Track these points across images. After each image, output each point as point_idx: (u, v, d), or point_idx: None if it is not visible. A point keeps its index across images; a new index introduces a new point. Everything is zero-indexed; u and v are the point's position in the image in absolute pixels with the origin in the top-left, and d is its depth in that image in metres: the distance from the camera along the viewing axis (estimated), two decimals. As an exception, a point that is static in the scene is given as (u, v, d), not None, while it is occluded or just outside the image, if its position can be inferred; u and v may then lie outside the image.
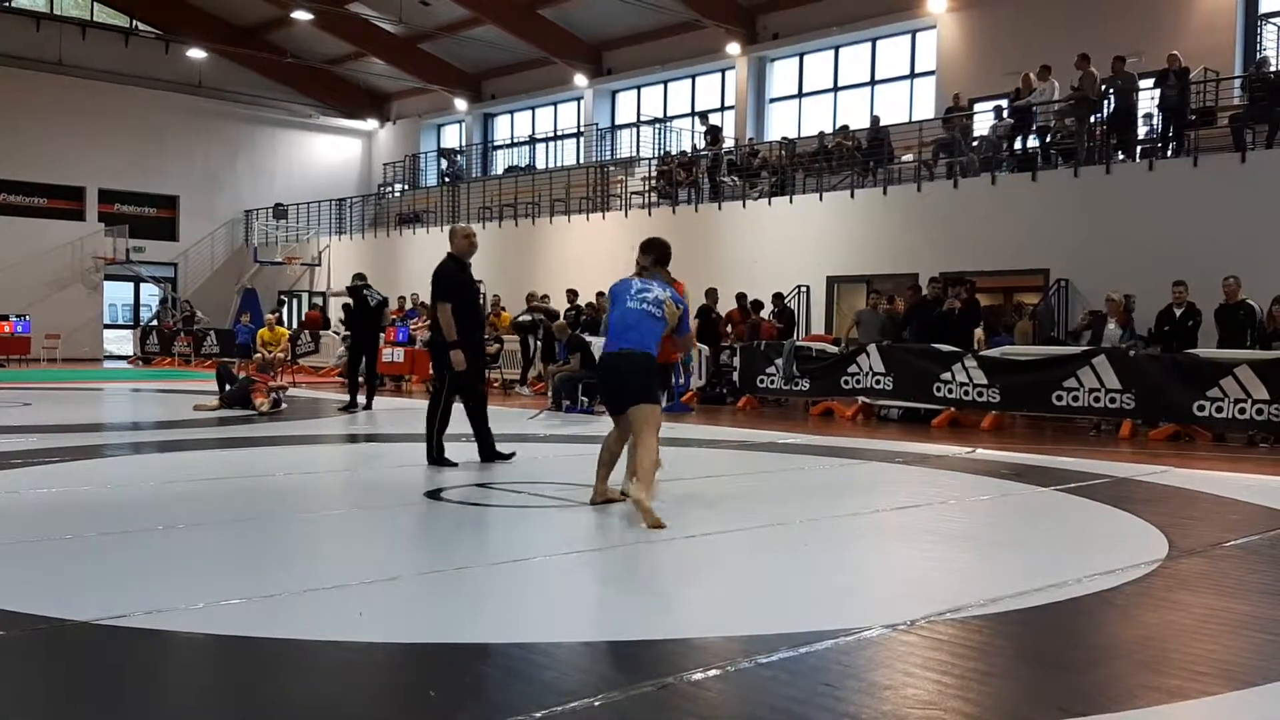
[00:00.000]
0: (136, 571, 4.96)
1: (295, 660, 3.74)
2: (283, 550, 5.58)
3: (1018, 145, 18.38)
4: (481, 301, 15.02)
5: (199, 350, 27.52)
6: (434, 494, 7.23)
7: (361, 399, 14.36)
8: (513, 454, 8.97)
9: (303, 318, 29.20)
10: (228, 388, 14.18)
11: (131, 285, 33.29)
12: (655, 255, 7.01)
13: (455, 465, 8.45)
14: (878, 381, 14.09)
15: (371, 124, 36.28)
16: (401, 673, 3.57)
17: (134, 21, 32.21)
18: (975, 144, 18.88)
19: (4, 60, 29.74)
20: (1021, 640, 4.16)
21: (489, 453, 8.79)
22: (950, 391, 13.41)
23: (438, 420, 8.59)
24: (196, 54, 31.75)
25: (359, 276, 15.35)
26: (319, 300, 31.97)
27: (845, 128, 21.49)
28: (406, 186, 33.45)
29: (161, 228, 33.13)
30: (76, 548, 5.39)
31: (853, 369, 14.38)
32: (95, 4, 31.83)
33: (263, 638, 3.89)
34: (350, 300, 14.95)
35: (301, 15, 28.70)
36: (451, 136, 34.89)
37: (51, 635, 3.89)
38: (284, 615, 4.20)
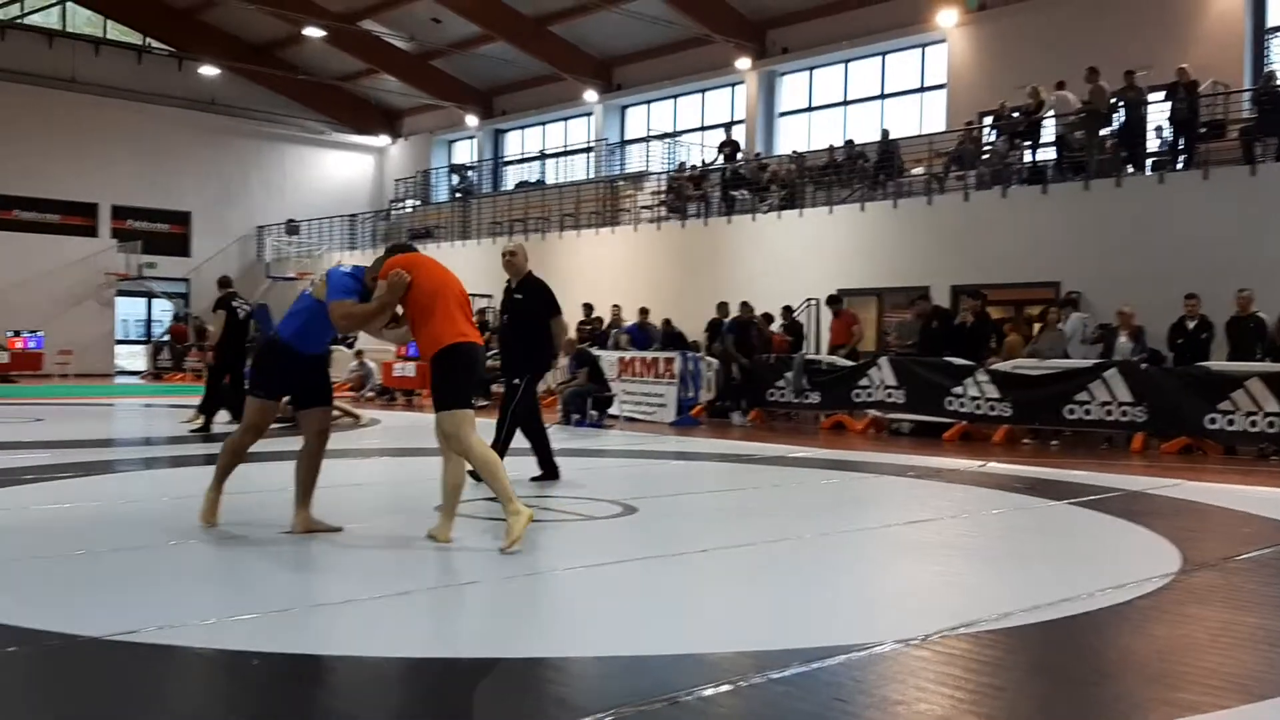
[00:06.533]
0: (147, 587, 4.96)
1: (307, 675, 3.75)
2: (294, 565, 5.58)
3: (1028, 158, 18.38)
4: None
5: (211, 366, 27.55)
6: (444, 509, 7.21)
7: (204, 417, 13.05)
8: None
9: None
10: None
11: (144, 301, 33.43)
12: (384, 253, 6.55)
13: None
14: (889, 395, 14.06)
15: (383, 140, 36.43)
16: (413, 687, 3.57)
17: (146, 39, 32.45)
18: (986, 156, 18.88)
19: (17, 77, 29.94)
20: (1034, 655, 4.14)
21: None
22: (962, 405, 13.37)
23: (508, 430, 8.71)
24: (209, 71, 31.92)
25: (225, 282, 13.67)
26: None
27: (850, 143, 21.50)
28: (418, 202, 33.57)
29: (174, 244, 33.26)
30: (87, 563, 5.40)
31: (864, 382, 14.35)
32: (108, 22, 32.06)
33: (275, 653, 3.89)
34: (221, 310, 13.09)
35: (313, 32, 28.84)
36: (462, 152, 35.01)
37: (61, 651, 3.89)
38: (295, 630, 4.21)
